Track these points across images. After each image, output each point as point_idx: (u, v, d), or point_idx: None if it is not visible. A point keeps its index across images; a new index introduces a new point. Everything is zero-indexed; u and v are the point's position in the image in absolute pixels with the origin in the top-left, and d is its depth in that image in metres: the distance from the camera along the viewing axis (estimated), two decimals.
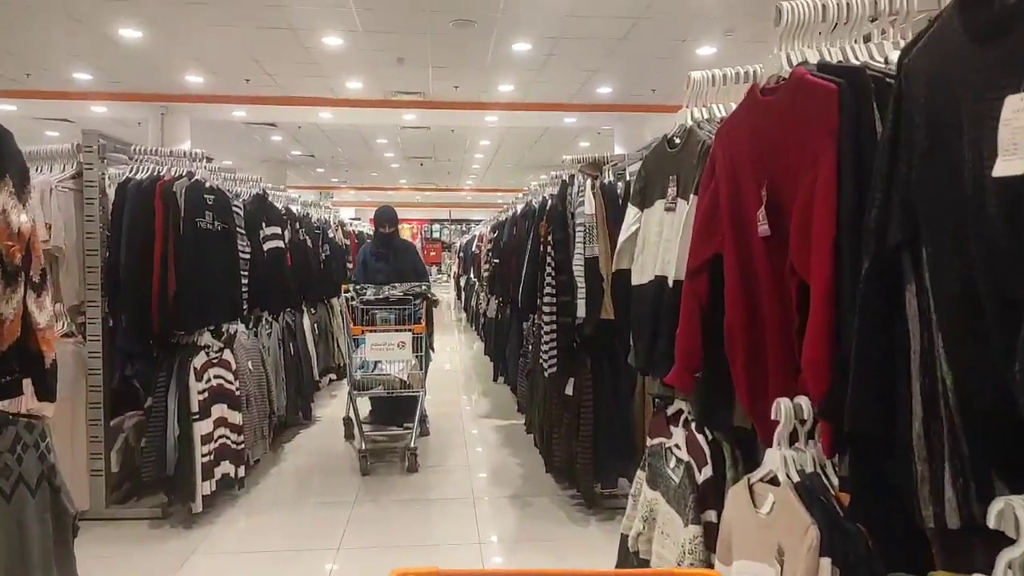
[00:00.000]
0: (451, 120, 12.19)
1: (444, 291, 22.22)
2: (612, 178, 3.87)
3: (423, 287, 5.03)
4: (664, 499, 2.20)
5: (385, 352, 4.37)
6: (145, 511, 3.69)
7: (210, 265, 3.73)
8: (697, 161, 1.90)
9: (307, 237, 5.98)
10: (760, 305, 1.61)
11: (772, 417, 1.45)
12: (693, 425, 2.09)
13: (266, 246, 4.78)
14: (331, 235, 7.28)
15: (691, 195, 1.90)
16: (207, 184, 3.80)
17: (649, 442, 2.38)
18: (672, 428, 2.24)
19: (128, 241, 3.48)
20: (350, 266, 8.32)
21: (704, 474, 1.99)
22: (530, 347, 5.00)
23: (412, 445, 4.56)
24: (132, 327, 3.48)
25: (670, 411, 2.32)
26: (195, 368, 3.63)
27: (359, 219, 14.60)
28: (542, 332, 3.73)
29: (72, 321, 3.64)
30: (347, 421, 5.06)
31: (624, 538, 2.36)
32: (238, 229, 4.36)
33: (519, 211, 6.02)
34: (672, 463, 2.20)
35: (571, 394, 3.77)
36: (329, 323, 6.79)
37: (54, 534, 2.05)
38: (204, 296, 3.64)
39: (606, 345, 3.72)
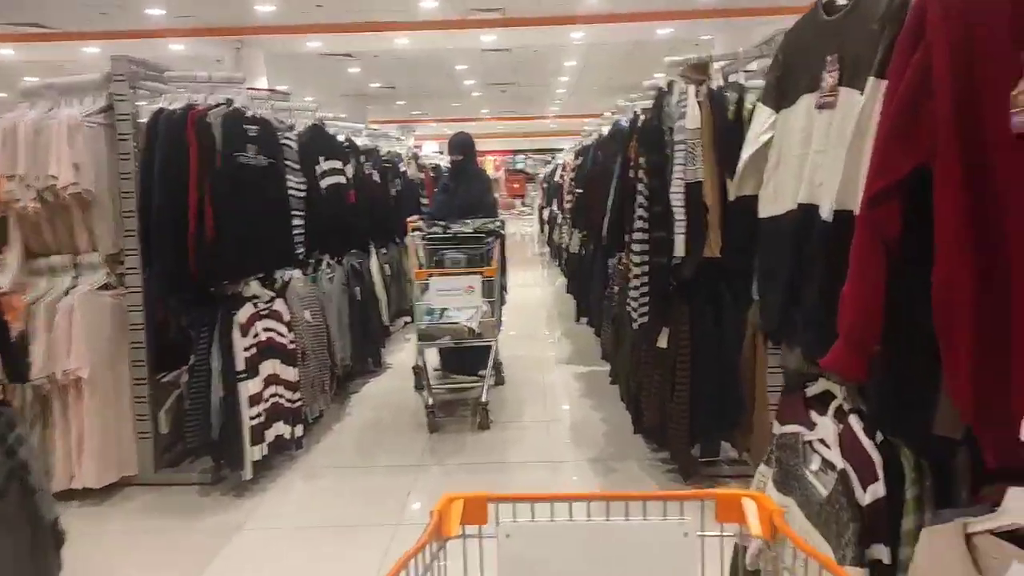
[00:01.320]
0: (533, 39, 11.35)
1: (528, 224, 21.66)
2: (722, 83, 3.14)
3: (496, 223, 4.48)
4: (803, 512, 1.60)
5: (452, 298, 3.87)
6: (196, 476, 3.40)
7: (254, 205, 3.29)
8: (883, 25, 1.21)
9: (374, 171, 5.50)
10: (1004, 250, 0.96)
11: None
12: (853, 419, 1.47)
13: (324, 182, 4.32)
14: (403, 169, 6.78)
15: (869, 79, 1.22)
16: (249, 113, 3.33)
17: (778, 429, 1.78)
18: (815, 416, 1.63)
19: (160, 180, 3.07)
20: (425, 202, 7.88)
21: (872, 494, 1.38)
22: (616, 289, 4.39)
23: (483, 399, 4.11)
24: (166, 277, 3.11)
25: (811, 391, 1.70)
26: (240, 323, 3.25)
27: (441, 153, 14.10)
28: (631, 273, 3.11)
29: (111, 271, 3.31)
30: (417, 370, 4.65)
31: (738, 550, 1.80)
32: (289, 164, 3.91)
33: (605, 133, 5.32)
34: (815, 464, 1.60)
35: (665, 347, 3.17)
36: (402, 263, 6.37)
37: (31, 547, 1.67)
38: (248, 241, 3.23)
39: (709, 289, 3.08)
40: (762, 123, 1.69)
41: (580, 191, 6.39)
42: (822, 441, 1.58)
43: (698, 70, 3.16)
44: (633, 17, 10.45)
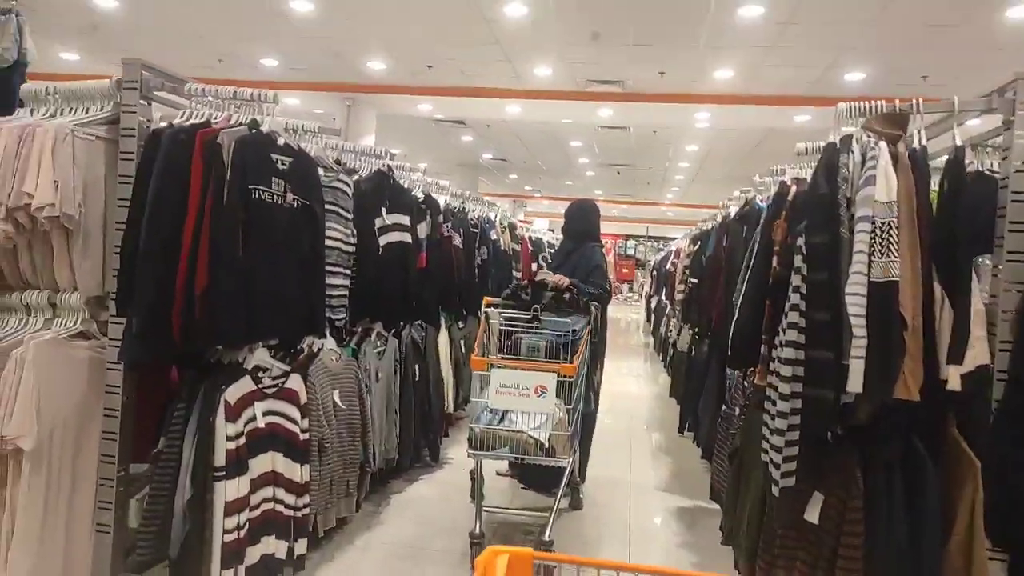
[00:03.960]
0: (653, 117, 10.61)
1: (634, 311, 20.55)
2: (924, 141, 2.17)
3: (597, 291, 3.62)
4: None
5: (516, 399, 2.94)
6: None
7: (272, 253, 2.55)
8: None
9: (453, 234, 4.76)
10: None
11: None
12: None
13: (384, 239, 3.58)
14: (494, 237, 6.04)
15: None
16: (281, 141, 2.63)
17: None
18: None
19: (152, 212, 2.37)
20: (518, 276, 7.11)
21: None
22: (736, 411, 3.33)
23: (547, 536, 3.11)
24: (143, 336, 2.37)
25: None
26: (227, 402, 2.46)
27: (552, 231, 13.44)
28: (773, 408, 2.09)
29: (93, 317, 2.63)
30: (473, 477, 3.71)
31: None
32: (338, 211, 3.20)
33: (732, 213, 4.36)
34: None
35: (816, 522, 2.09)
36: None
37: None
38: (254, 297, 2.46)
39: (898, 444, 2.01)
40: None
41: (695, 281, 5.40)
42: None
43: (893, 122, 2.20)
44: (767, 100, 9.52)
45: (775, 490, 1.98)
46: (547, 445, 3.07)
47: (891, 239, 1.95)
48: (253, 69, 9.06)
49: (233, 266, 2.37)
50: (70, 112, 2.66)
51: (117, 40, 8.32)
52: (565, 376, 3.00)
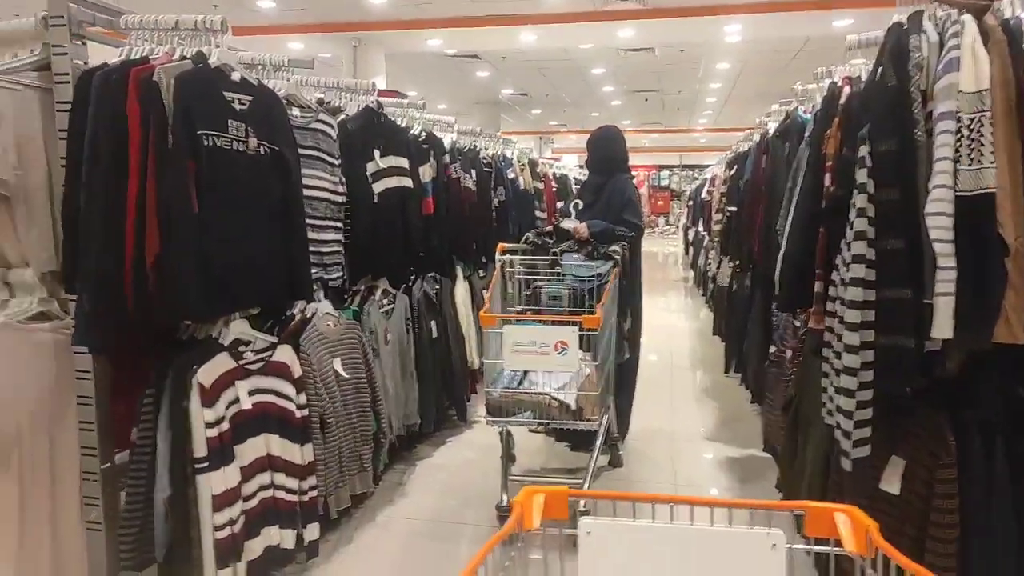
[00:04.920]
0: (679, 35, 9.86)
1: (672, 244, 19.95)
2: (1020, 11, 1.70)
3: (626, 231, 3.26)
4: None
5: (534, 358, 2.59)
6: None
7: (235, 211, 2.21)
8: None
9: (463, 175, 4.36)
10: None
11: None
12: None
13: (378, 186, 3.21)
14: (512, 176, 5.62)
15: None
16: (235, 77, 2.25)
17: None
18: None
19: (89, 169, 2.05)
20: (542, 216, 6.69)
21: None
22: (788, 353, 2.95)
23: (582, 505, 2.80)
24: (96, 313, 2.07)
25: None
26: (201, 384, 2.16)
27: (581, 167, 12.85)
28: (838, 361, 1.69)
29: (52, 295, 2.34)
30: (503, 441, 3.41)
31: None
32: (321, 156, 2.84)
33: (771, 130, 3.87)
34: None
35: (897, 493, 1.72)
36: None
37: None
38: (220, 261, 2.14)
39: (1000, 398, 1.61)
40: None
41: (733, 210, 4.94)
42: None
43: None
44: (803, 4, 8.75)
45: (846, 463, 1.61)
46: (574, 407, 2.74)
47: (983, 140, 1.52)
48: (251, 13, 8.57)
49: (187, 227, 2.04)
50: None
51: None
52: (588, 329, 2.63)
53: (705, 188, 9.26)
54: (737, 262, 5.00)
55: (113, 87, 2.03)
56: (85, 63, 2.22)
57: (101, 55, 2.32)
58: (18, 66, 2.21)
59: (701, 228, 9.52)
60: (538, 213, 6.50)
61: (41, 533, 2.30)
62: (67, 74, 2.18)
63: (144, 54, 2.19)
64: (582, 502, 2.75)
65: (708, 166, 13.95)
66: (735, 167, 5.23)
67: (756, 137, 4.54)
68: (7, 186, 2.16)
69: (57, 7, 2.17)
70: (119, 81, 2.04)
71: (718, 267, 6.41)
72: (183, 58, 2.16)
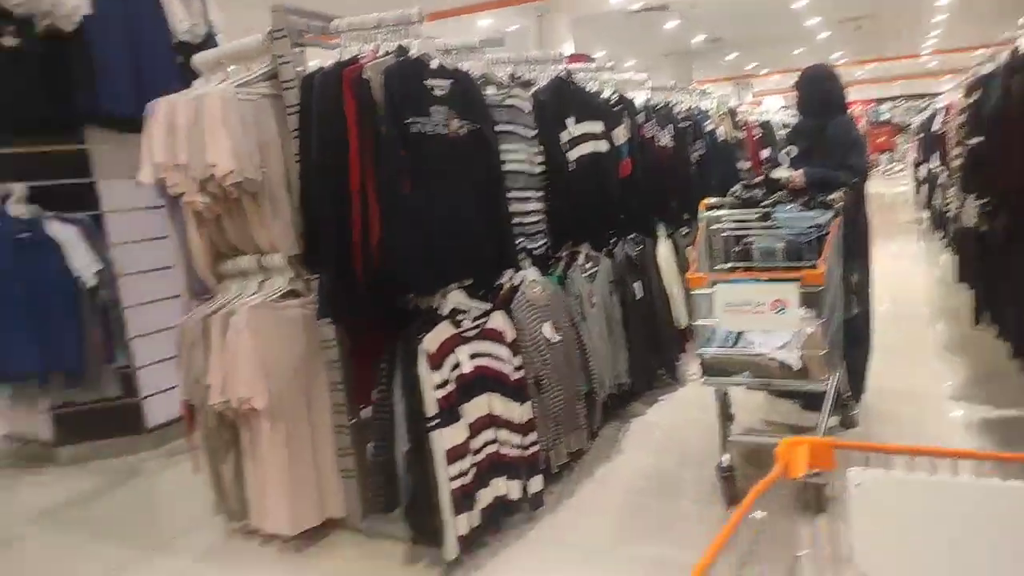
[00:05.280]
0: None
1: (899, 184, 17.91)
2: None
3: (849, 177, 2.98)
4: None
5: (748, 318, 2.45)
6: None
7: (446, 190, 2.35)
8: None
9: (658, 132, 4.23)
10: None
11: None
12: None
13: (574, 153, 3.22)
14: (709, 128, 5.35)
15: None
16: (434, 64, 2.37)
17: None
18: None
19: (317, 164, 2.28)
20: (746, 166, 6.31)
21: None
22: None
23: None
24: (334, 291, 2.31)
25: None
26: (427, 352, 2.34)
27: (787, 107, 11.82)
28: None
29: (299, 275, 2.66)
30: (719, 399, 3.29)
31: None
32: (515, 131, 2.91)
33: (1023, 48, 3.28)
34: None
35: None
36: None
37: None
38: (435, 237, 2.30)
39: None
40: None
41: (978, 140, 4.28)
42: None
43: None
44: None
45: None
46: (797, 367, 2.57)
47: None
48: None
49: (404, 209, 2.19)
50: (238, 73, 2.65)
51: None
52: (810, 284, 2.43)
53: (938, 119, 8.14)
54: (984, 200, 4.35)
55: (330, 87, 2.24)
56: (304, 68, 2.46)
57: (316, 57, 2.57)
58: (253, 78, 2.51)
59: (935, 164, 8.41)
60: (743, 164, 6.15)
61: (307, 474, 2.67)
62: (292, 80, 2.44)
63: (353, 54, 2.38)
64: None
65: (939, 94, 12.20)
66: (977, 92, 4.53)
67: (1003, 57, 3.89)
68: (255, 184, 2.48)
69: (279, 21, 2.42)
70: (334, 82, 2.23)
71: (961, 206, 5.63)
72: (387, 53, 2.31)
